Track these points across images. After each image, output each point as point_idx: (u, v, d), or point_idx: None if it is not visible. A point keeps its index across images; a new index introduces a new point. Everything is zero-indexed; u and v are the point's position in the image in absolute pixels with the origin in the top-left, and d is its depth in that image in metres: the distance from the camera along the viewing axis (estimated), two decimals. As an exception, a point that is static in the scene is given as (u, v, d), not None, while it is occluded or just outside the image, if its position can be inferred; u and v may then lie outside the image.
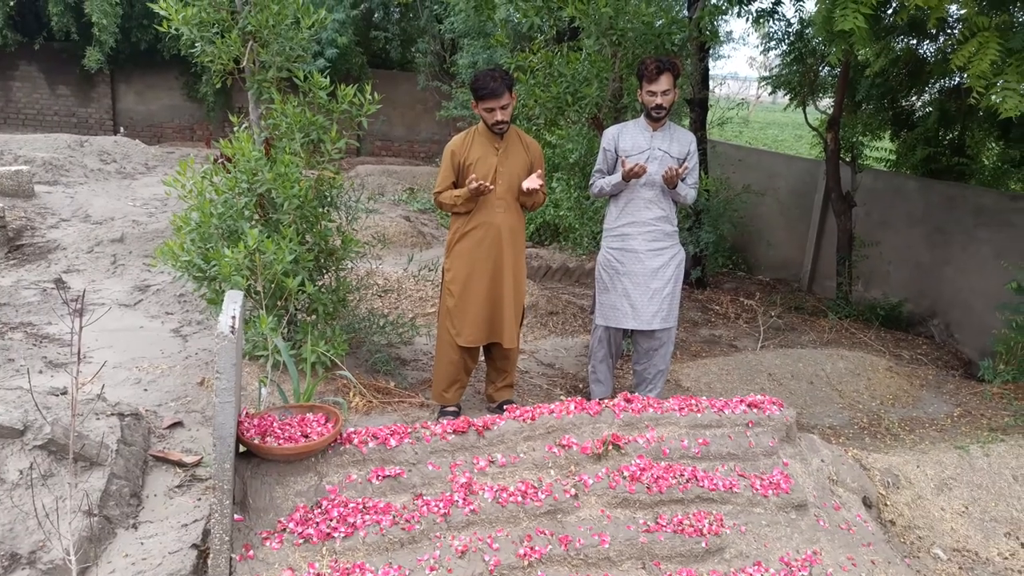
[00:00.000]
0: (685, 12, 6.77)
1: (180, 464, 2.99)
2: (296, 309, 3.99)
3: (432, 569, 2.37)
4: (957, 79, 7.25)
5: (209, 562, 2.29)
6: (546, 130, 5.78)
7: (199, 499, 2.76)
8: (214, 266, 3.60)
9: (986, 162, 8.13)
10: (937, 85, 7.82)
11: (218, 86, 4.30)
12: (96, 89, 13.82)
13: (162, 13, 3.87)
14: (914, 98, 8.27)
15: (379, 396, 3.99)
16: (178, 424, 3.31)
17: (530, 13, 5.12)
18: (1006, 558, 3.21)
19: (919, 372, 5.53)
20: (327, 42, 11.89)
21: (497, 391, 4.15)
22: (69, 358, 3.92)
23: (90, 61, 12.16)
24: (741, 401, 3.24)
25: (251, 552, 2.32)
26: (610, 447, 2.88)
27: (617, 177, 3.96)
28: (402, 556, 2.40)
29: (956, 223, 6.77)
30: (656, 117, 3.97)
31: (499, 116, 3.72)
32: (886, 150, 8.78)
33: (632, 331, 4.23)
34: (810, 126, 7.99)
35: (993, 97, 3.87)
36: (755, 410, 3.19)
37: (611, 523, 2.67)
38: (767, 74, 8.86)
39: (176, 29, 3.92)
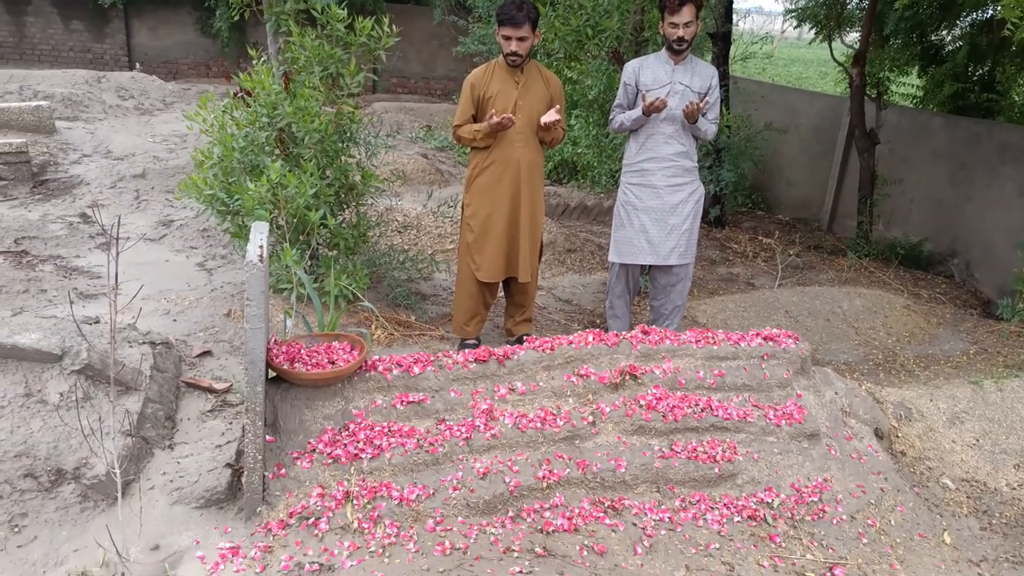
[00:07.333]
0: (710, -59, 6.57)
1: (211, 390, 3.09)
2: (318, 243, 4.05)
3: (455, 489, 2.47)
4: (990, 12, 7.04)
5: (243, 480, 2.41)
6: (565, 65, 5.70)
7: (231, 423, 2.87)
8: (237, 200, 3.65)
9: (1016, 98, 7.95)
10: (969, 18, 7.61)
11: (235, 19, 4.28)
12: (110, 24, 13.69)
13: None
14: (944, 32, 8.05)
15: (400, 329, 4.07)
16: (207, 353, 3.41)
17: (551, -58, 5.00)
18: (1014, 488, 3.28)
19: (936, 310, 5.54)
20: (341, -26, 11.65)
21: (516, 325, 4.22)
22: (99, 289, 4.02)
23: (103, -5, 12.02)
24: (757, 334, 3.29)
25: (283, 471, 2.44)
26: (627, 377, 2.95)
27: (637, 112, 3.94)
28: (426, 476, 2.51)
29: (980, 160, 6.67)
30: (678, 50, 3.91)
31: (514, 47, 3.69)
32: (913, 86, 8.60)
33: (650, 267, 4.26)
34: (836, 61, 7.82)
35: (1027, 29, 3.78)
36: (770, 343, 3.24)
37: (627, 449, 2.75)
38: (793, 7, 8.63)
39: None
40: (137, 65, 13.72)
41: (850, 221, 7.80)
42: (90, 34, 13.73)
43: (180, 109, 9.41)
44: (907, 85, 8.66)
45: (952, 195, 6.96)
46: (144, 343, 3.01)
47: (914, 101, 8.51)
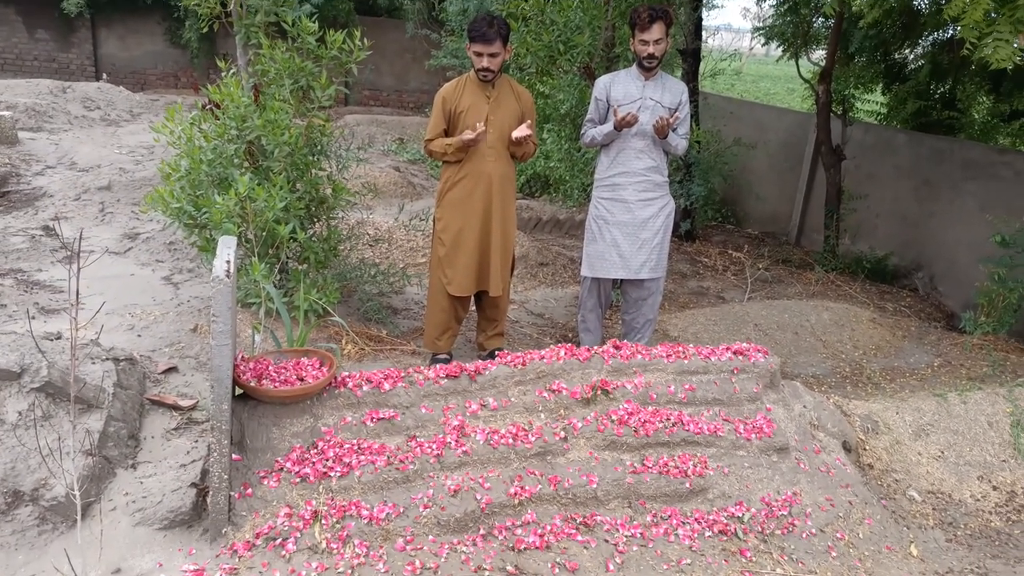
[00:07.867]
0: (679, -41, 6.67)
1: (176, 408, 3.03)
2: (287, 257, 4.00)
3: (426, 507, 2.44)
4: (950, 31, 7.22)
5: (208, 500, 2.36)
6: (538, 80, 5.73)
7: (196, 441, 2.81)
8: (205, 213, 3.59)
9: (976, 116, 8.15)
10: (930, 38, 7.80)
11: (204, 31, 4.24)
12: (76, 34, 13.50)
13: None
14: (907, 51, 8.24)
15: (371, 344, 4.04)
16: (173, 369, 3.34)
17: (522, -41, 5.03)
18: (978, 500, 3.33)
19: (902, 323, 5.63)
20: (314, -13, 11.63)
21: (488, 339, 4.21)
22: (61, 304, 3.93)
23: (69, 4, 11.85)
24: (727, 348, 3.31)
25: (249, 490, 2.39)
26: (599, 392, 2.95)
27: (609, 126, 3.96)
28: (397, 494, 2.48)
29: (944, 177, 6.82)
30: (648, 67, 3.95)
31: (486, 63, 3.70)
32: (877, 103, 8.78)
33: (621, 281, 4.28)
34: (802, 78, 7.96)
35: (986, 49, 3.88)
36: (740, 357, 3.27)
37: (599, 464, 2.74)
38: (760, 25, 8.78)
39: (161, -29, 3.83)
40: (104, 75, 13.52)
41: (817, 235, 7.92)
42: (56, 43, 13.52)
43: (148, 120, 9.29)
44: (871, 102, 8.83)
45: (916, 210, 7.10)
46: (107, 359, 2.94)
47: (878, 118, 8.69)
